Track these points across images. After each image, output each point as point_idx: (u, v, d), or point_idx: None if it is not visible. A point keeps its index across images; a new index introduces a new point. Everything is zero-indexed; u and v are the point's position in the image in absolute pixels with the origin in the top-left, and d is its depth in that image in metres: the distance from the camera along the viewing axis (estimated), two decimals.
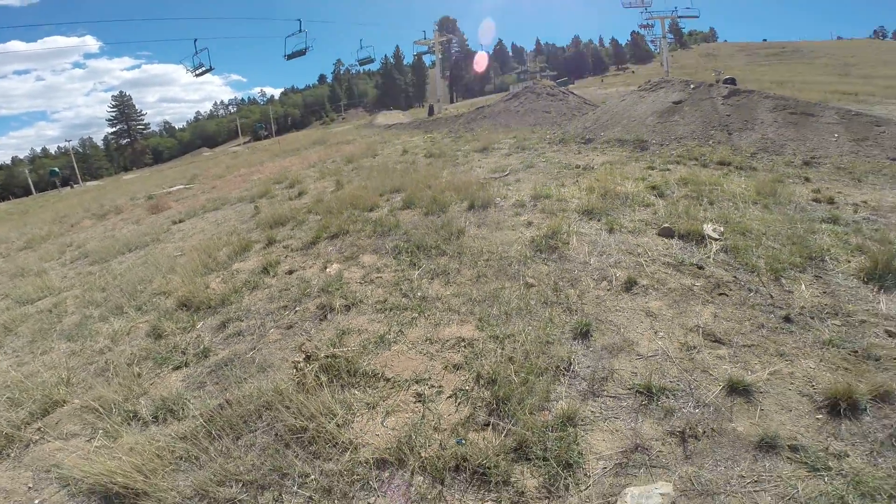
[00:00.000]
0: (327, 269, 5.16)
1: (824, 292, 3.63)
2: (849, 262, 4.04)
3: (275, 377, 3.17)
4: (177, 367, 3.62)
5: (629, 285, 3.82)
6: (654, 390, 2.69)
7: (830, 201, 5.69)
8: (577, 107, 15.67)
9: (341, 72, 67.59)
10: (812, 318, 3.32)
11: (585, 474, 2.27)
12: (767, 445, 2.34)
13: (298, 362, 3.10)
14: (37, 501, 2.62)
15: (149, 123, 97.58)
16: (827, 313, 3.37)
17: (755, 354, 2.98)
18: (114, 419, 3.06)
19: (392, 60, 62.31)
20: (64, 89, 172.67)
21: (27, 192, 55.14)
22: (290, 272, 5.25)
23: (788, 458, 2.28)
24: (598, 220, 5.22)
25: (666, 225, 4.71)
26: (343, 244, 5.83)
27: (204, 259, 5.96)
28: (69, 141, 66.61)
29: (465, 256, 4.81)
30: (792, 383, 2.74)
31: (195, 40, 20.59)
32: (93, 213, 14.30)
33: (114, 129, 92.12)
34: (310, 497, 2.31)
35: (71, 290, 6.22)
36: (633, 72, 67.20)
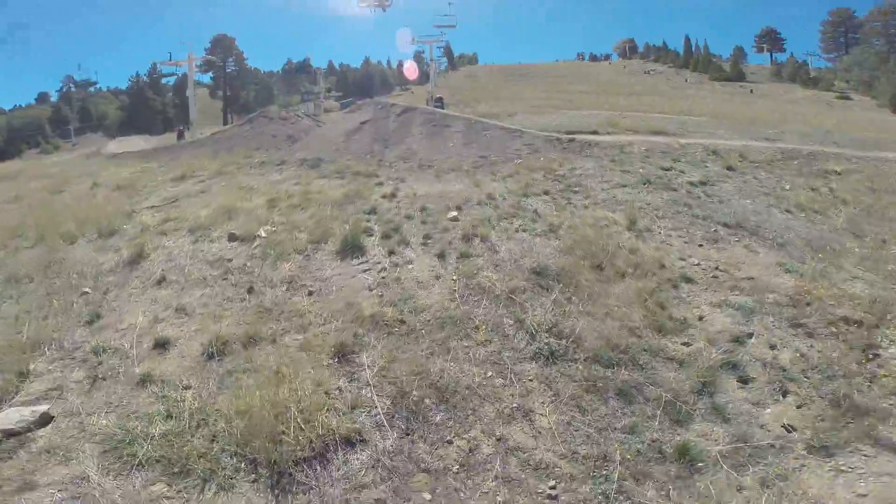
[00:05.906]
0: None
1: (300, 267, 5.45)
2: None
3: None
4: None
5: (161, 280, 5.03)
6: (102, 350, 3.83)
7: (393, 196, 8.12)
8: (306, 130, 17.19)
9: (72, 90, 54.74)
10: (272, 287, 5.00)
11: None
12: (146, 381, 3.52)
13: None
14: None
15: None
16: (286, 282, 5.09)
17: (209, 319, 4.38)
18: None
19: (146, 78, 53.81)
20: None
21: None
22: None
23: (154, 390, 3.45)
24: (194, 233, 6.37)
25: (233, 231, 6.16)
26: None
27: None
28: None
29: (54, 275, 5.34)
30: (200, 338, 4.04)
31: None
32: None
33: None
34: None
35: None
36: (412, 92, 74.72)
